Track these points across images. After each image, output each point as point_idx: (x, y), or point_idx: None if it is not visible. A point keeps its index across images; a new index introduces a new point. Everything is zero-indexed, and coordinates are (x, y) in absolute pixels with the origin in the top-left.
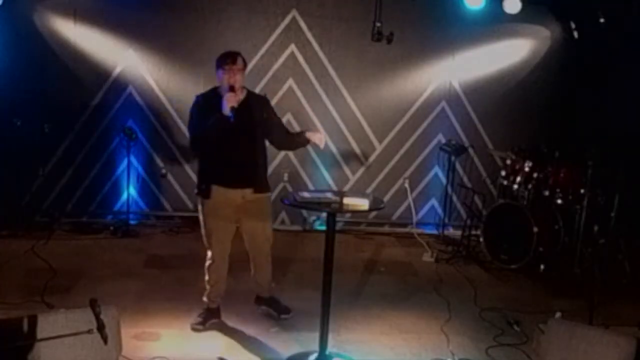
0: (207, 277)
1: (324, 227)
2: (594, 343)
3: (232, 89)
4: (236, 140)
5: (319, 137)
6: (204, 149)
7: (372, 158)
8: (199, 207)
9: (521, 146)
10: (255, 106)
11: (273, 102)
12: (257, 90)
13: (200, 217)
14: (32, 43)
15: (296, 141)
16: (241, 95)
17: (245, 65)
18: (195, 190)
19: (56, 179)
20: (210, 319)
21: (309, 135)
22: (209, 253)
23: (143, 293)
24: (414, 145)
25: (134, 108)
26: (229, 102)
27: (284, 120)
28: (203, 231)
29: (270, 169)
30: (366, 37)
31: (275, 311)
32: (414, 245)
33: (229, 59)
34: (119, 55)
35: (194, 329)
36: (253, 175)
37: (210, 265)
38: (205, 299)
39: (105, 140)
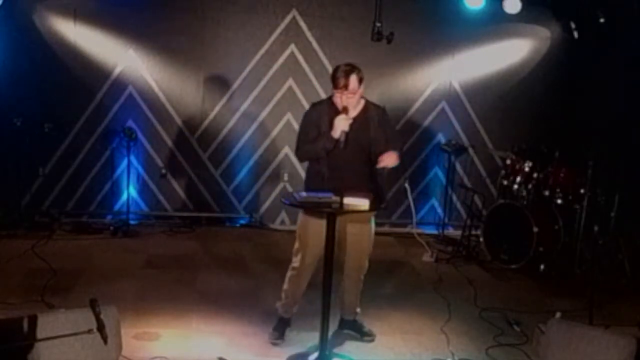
0: (285, 287)
1: None
2: (594, 343)
3: (345, 110)
4: (349, 156)
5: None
6: (311, 161)
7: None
8: (300, 217)
9: (521, 146)
10: (373, 119)
11: (273, 102)
12: (256, 91)
13: (298, 227)
14: (32, 43)
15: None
16: (354, 113)
17: (362, 78)
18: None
19: (56, 179)
20: (285, 330)
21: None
22: (295, 261)
23: (143, 293)
24: (414, 145)
25: (134, 108)
26: (340, 127)
27: (283, 119)
28: (299, 237)
29: (270, 169)
30: (366, 37)
31: (358, 333)
32: (414, 245)
33: (342, 81)
34: (119, 55)
35: (274, 344)
36: (362, 191)
37: (293, 273)
38: (279, 309)
39: (105, 140)
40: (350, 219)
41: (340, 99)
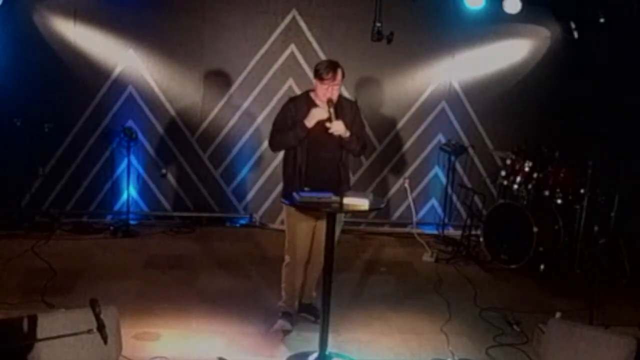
0: (284, 284)
1: None
2: (594, 343)
3: (330, 101)
4: (324, 147)
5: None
6: (285, 151)
7: (372, 158)
8: (284, 211)
9: (521, 146)
10: (346, 112)
11: (273, 102)
12: (256, 91)
13: (285, 221)
14: (32, 43)
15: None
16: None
17: (344, 74)
18: (282, 196)
19: (56, 179)
20: (293, 320)
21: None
22: (287, 258)
23: (143, 293)
24: (414, 145)
25: (134, 108)
26: (316, 116)
27: None
28: (287, 235)
29: (270, 169)
30: (366, 37)
31: (312, 316)
32: (414, 245)
33: (329, 74)
34: (119, 55)
35: (285, 331)
36: (338, 183)
37: (287, 269)
38: (283, 306)
39: (105, 140)
40: (322, 216)
41: (325, 91)
